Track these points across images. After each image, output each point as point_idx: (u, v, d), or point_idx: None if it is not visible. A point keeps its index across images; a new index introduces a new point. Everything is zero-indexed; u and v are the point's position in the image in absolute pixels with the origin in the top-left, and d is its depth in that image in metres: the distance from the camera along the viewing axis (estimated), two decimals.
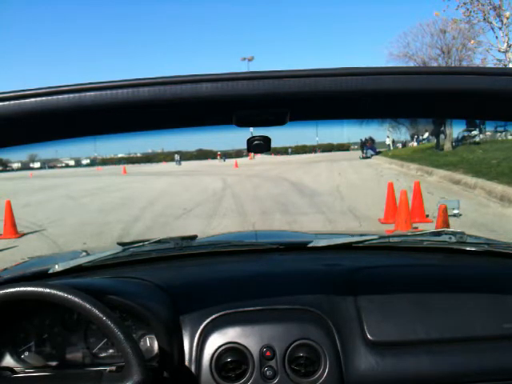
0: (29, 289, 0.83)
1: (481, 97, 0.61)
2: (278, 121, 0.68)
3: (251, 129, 0.73)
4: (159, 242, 1.34)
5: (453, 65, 17.51)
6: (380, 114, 0.78)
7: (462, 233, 1.33)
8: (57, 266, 1.22)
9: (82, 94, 0.57)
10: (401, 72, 0.59)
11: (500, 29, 14.23)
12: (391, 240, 1.39)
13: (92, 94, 0.57)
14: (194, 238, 1.43)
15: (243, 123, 0.69)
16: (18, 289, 0.83)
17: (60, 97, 0.57)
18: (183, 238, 1.38)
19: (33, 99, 0.57)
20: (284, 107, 0.65)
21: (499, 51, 14.47)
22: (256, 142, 0.71)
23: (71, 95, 0.57)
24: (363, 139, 28.26)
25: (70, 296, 0.82)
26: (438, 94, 0.60)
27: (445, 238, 1.34)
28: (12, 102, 0.57)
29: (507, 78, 0.58)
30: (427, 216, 6.30)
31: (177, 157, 38.64)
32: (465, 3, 14.12)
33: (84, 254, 1.39)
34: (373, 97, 0.61)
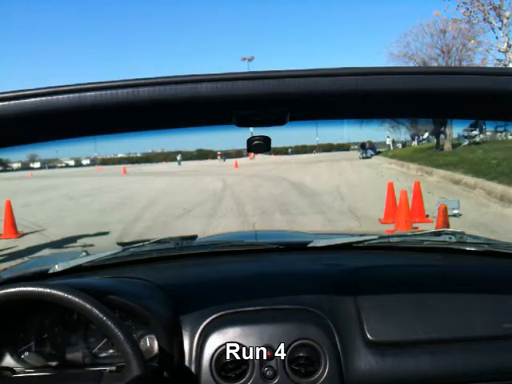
0: (29, 289, 0.83)
1: (481, 97, 0.61)
2: (278, 121, 0.68)
3: (251, 129, 0.73)
4: (159, 242, 1.35)
5: (453, 65, 17.52)
6: (380, 114, 0.78)
7: (462, 233, 1.33)
8: (57, 266, 1.22)
9: (82, 94, 0.57)
10: (401, 72, 0.59)
11: (500, 29, 14.24)
12: (391, 240, 1.39)
13: (92, 93, 0.57)
14: (194, 238, 1.43)
15: (243, 123, 0.69)
16: (18, 289, 0.83)
17: (60, 97, 0.57)
18: (183, 238, 1.38)
19: (33, 99, 0.57)
20: (284, 107, 0.64)
21: (499, 51, 14.49)
22: (256, 142, 0.71)
23: (71, 95, 0.57)
24: (364, 142, 28.72)
25: (70, 296, 0.82)
26: (438, 93, 0.60)
27: (445, 238, 1.34)
28: (12, 102, 0.57)
29: (507, 78, 0.58)
30: (427, 216, 6.30)
31: (179, 157, 38.72)
32: (465, 3, 14.15)
33: (84, 254, 1.39)
34: (373, 97, 0.61)
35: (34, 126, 0.63)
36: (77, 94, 0.57)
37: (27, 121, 0.59)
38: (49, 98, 0.57)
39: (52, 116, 0.59)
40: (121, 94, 0.57)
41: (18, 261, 1.69)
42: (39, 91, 0.57)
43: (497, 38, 14.47)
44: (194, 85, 0.58)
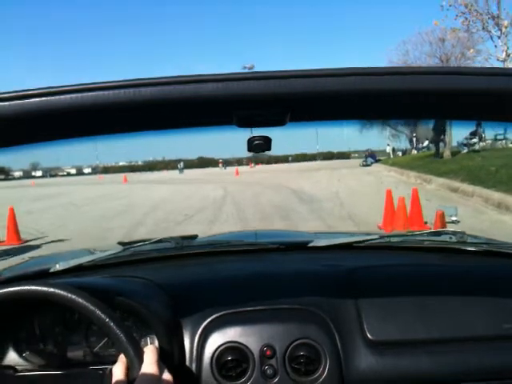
0: (32, 288, 0.83)
1: (481, 97, 0.61)
2: (279, 121, 0.68)
3: (252, 132, 0.74)
4: (160, 241, 1.35)
5: None
6: (381, 115, 0.78)
7: (462, 232, 1.33)
8: (58, 266, 1.22)
9: (84, 94, 0.57)
10: (401, 72, 0.59)
11: (499, 38, 14.33)
12: (391, 240, 1.38)
13: (94, 94, 0.57)
14: (194, 237, 1.43)
15: (244, 123, 0.69)
16: (20, 288, 0.83)
17: (62, 97, 0.57)
18: (184, 238, 1.38)
19: (33, 99, 0.57)
20: (284, 107, 0.64)
21: (498, 60, 14.56)
22: (256, 141, 0.71)
23: (73, 95, 0.57)
24: (366, 155, 29.67)
25: (73, 296, 0.81)
26: (439, 94, 0.60)
27: (445, 237, 1.33)
28: (13, 102, 0.57)
29: (507, 78, 0.59)
30: (426, 223, 6.32)
31: (180, 165, 38.56)
32: (463, 13, 14.25)
33: (85, 253, 1.40)
34: (374, 97, 0.61)
35: (34, 126, 0.62)
36: (78, 94, 0.57)
37: (28, 121, 0.59)
38: (50, 98, 0.57)
39: (53, 116, 0.58)
40: (122, 94, 0.57)
41: (19, 260, 1.70)
42: (40, 91, 0.57)
43: (496, 46, 14.57)
44: (195, 85, 0.58)
